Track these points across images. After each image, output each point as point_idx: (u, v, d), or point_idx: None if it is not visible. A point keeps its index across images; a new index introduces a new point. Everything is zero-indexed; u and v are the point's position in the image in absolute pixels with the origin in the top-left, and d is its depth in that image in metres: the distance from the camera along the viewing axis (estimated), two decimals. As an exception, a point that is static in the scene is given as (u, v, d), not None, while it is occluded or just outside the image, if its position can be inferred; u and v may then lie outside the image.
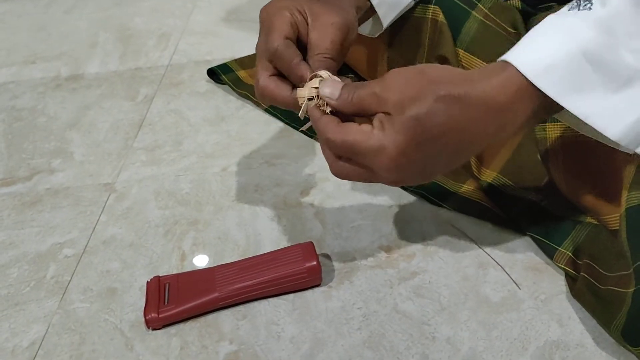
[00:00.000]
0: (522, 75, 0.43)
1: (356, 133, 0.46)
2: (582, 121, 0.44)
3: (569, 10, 0.44)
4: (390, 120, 0.44)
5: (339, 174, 0.49)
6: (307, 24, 0.54)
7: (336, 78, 0.50)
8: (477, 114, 0.44)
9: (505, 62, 0.44)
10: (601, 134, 0.44)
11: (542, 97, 0.43)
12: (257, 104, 0.87)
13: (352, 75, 0.85)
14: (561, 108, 0.44)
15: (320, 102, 0.49)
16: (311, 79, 0.50)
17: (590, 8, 0.43)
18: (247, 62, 0.94)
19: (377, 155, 0.45)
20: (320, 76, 0.50)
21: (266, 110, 0.86)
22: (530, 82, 0.43)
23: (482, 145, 0.47)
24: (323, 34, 0.53)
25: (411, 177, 0.48)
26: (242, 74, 0.92)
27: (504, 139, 0.47)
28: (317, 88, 0.49)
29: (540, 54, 0.43)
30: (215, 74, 0.93)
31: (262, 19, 0.55)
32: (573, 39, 0.43)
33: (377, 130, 0.45)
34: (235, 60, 0.95)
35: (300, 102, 0.50)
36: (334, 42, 0.53)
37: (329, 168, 0.50)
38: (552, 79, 0.42)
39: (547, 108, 0.44)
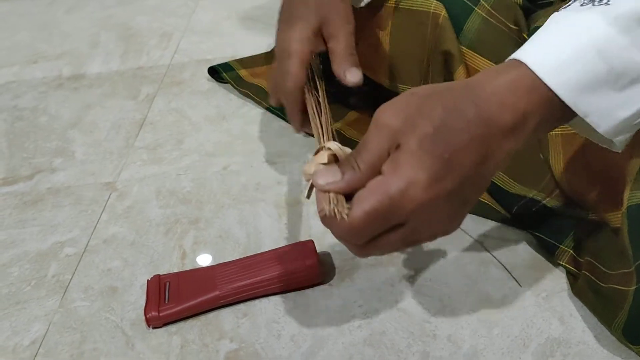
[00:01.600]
0: (533, 72, 0.40)
1: (373, 196, 0.40)
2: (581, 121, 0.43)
3: (581, 5, 0.42)
4: (401, 152, 0.40)
5: (372, 254, 0.44)
6: (323, 36, 0.56)
7: (347, 149, 0.45)
8: (487, 118, 0.40)
9: (517, 61, 0.42)
10: (589, 131, 0.43)
11: (554, 97, 0.41)
12: (259, 103, 0.87)
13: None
14: (572, 116, 0.42)
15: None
16: (318, 151, 0.46)
17: (607, 3, 0.41)
18: (248, 61, 0.95)
19: (406, 197, 0.39)
20: (329, 148, 0.45)
21: (267, 109, 0.86)
22: (542, 81, 0.40)
23: (506, 153, 0.42)
24: (339, 41, 0.55)
25: (450, 213, 0.42)
26: (243, 72, 0.92)
27: (523, 142, 0.42)
28: (324, 164, 0.44)
29: (554, 50, 0.41)
30: (217, 72, 0.93)
31: (278, 57, 0.56)
32: (589, 35, 0.40)
33: (391, 172, 0.40)
34: (237, 60, 0.95)
35: (305, 179, 0.45)
36: (348, 44, 0.55)
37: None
38: (564, 77, 0.40)
39: (563, 110, 0.41)
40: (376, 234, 0.42)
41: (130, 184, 0.75)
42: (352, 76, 0.52)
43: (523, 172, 0.63)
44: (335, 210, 0.41)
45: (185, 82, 0.96)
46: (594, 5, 0.41)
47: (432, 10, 0.66)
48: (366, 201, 0.40)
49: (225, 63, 0.94)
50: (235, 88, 0.90)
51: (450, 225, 0.44)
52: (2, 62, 1.09)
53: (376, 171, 0.41)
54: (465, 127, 0.40)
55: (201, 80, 0.96)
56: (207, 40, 1.08)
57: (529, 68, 0.40)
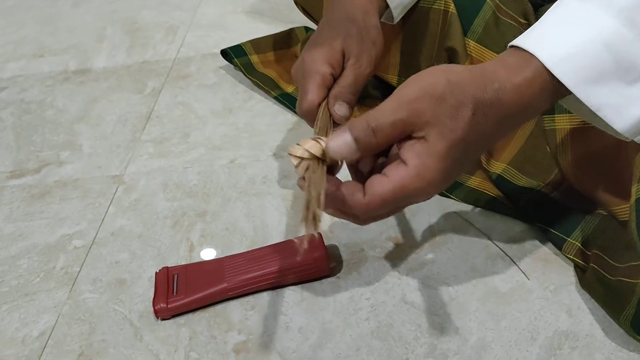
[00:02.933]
0: (541, 62, 0.42)
1: (390, 184, 0.42)
2: (590, 111, 0.43)
3: None
4: (429, 149, 0.42)
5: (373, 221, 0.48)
6: (343, 61, 0.56)
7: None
8: (502, 103, 0.42)
9: (528, 55, 0.42)
10: (606, 124, 0.44)
11: (557, 85, 0.42)
12: (267, 92, 0.87)
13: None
14: (567, 93, 0.43)
15: (313, 165, 0.44)
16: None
17: None
18: (262, 45, 0.93)
19: (422, 192, 0.43)
20: (319, 140, 0.45)
21: (275, 98, 0.85)
22: (549, 71, 0.41)
23: (506, 132, 0.45)
24: (356, 77, 0.55)
25: (449, 179, 0.45)
26: (254, 59, 0.91)
27: (521, 125, 0.47)
28: (310, 152, 0.45)
29: (561, 42, 0.42)
30: (228, 55, 0.92)
31: (299, 74, 0.56)
32: (594, 28, 0.41)
33: (415, 170, 0.42)
34: (251, 41, 0.93)
35: (293, 161, 0.45)
36: (358, 81, 0.55)
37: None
38: (570, 68, 0.41)
39: (560, 95, 0.44)
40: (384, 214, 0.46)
41: (137, 177, 0.76)
42: (339, 109, 0.52)
43: (530, 166, 0.63)
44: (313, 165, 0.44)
45: (191, 76, 0.96)
46: None
47: (442, 8, 0.66)
48: (386, 190, 0.43)
49: (238, 45, 0.92)
50: (245, 75, 0.89)
51: (450, 182, 0.46)
52: (9, 56, 1.09)
53: (389, 144, 0.44)
54: (489, 131, 0.43)
55: (207, 74, 0.96)
56: (213, 33, 1.08)
57: (540, 61, 0.41)
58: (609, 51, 0.41)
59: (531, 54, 0.42)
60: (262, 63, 0.91)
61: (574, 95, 0.42)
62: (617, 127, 0.43)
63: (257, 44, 0.93)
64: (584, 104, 0.43)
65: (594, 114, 0.43)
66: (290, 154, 0.45)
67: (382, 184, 0.43)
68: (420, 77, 0.43)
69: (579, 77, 0.41)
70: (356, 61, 0.55)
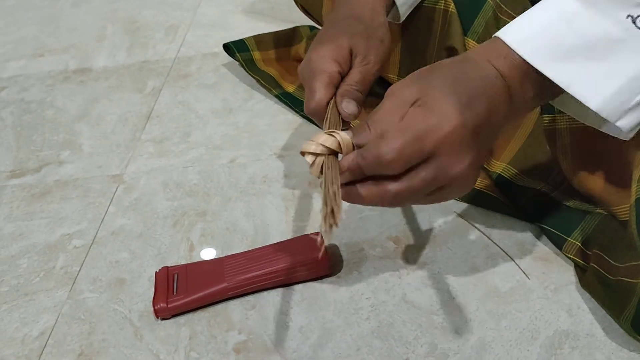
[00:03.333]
0: (507, 45, 0.44)
1: (411, 127, 0.43)
2: (577, 106, 0.45)
3: None
4: (426, 95, 0.44)
5: (411, 193, 0.44)
6: (351, 60, 0.55)
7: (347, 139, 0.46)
8: (486, 77, 0.45)
9: (495, 37, 0.46)
10: (590, 116, 0.45)
11: (528, 67, 0.44)
12: (269, 90, 0.86)
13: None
14: (557, 90, 0.44)
15: (327, 161, 0.45)
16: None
17: None
18: (265, 42, 0.92)
19: (441, 123, 0.42)
20: (332, 133, 0.46)
21: (276, 97, 0.85)
22: (515, 52, 0.44)
23: (502, 116, 0.46)
24: (363, 74, 0.55)
25: (473, 154, 0.44)
26: (256, 55, 0.90)
27: (513, 113, 0.46)
28: (325, 147, 0.45)
29: (525, 25, 0.45)
30: (230, 50, 0.92)
31: (306, 73, 0.55)
32: (557, 9, 0.44)
33: (427, 110, 0.43)
34: (254, 37, 0.92)
35: (308, 160, 0.46)
36: (366, 79, 0.55)
37: (390, 203, 0.46)
38: (533, 47, 0.44)
39: (540, 83, 0.45)
40: (411, 164, 0.43)
41: (138, 176, 0.76)
42: (347, 107, 0.52)
43: (531, 165, 0.63)
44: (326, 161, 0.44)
45: (191, 76, 0.96)
46: None
47: (442, 7, 0.66)
48: (406, 131, 0.43)
49: (241, 40, 0.92)
50: (247, 71, 0.89)
51: (473, 168, 0.45)
52: (9, 55, 1.09)
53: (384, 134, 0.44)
54: (472, 81, 0.44)
55: (208, 73, 0.96)
56: (213, 33, 1.08)
57: (503, 41, 0.45)
58: (571, 29, 0.43)
59: (500, 38, 0.45)
60: (263, 60, 0.91)
61: (565, 94, 0.44)
62: (591, 104, 0.44)
63: (260, 40, 0.92)
64: (572, 102, 0.44)
65: (583, 108, 0.44)
66: (303, 152, 0.46)
67: (401, 127, 0.44)
68: (406, 77, 0.47)
69: (544, 55, 0.43)
70: (363, 59, 0.55)
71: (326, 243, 0.43)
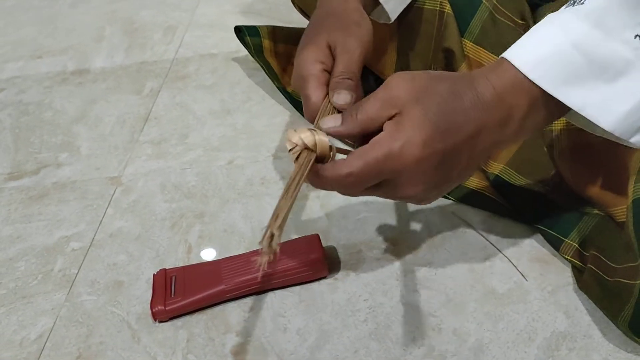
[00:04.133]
0: (516, 68, 0.44)
1: (375, 149, 0.44)
2: (587, 120, 0.44)
3: (565, 7, 0.45)
4: (406, 115, 0.44)
5: (355, 195, 0.49)
6: (333, 55, 0.55)
7: (325, 141, 0.48)
8: (483, 104, 0.45)
9: (503, 59, 0.45)
10: (600, 128, 0.45)
11: (539, 91, 0.44)
12: (272, 80, 0.85)
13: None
14: (567, 108, 0.44)
15: (302, 154, 0.46)
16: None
17: (582, 3, 0.44)
18: (278, 35, 0.89)
19: (403, 152, 0.43)
20: (315, 131, 0.47)
21: (278, 88, 0.84)
22: (526, 76, 0.44)
23: (491, 139, 0.46)
24: (346, 62, 0.54)
25: (436, 181, 0.46)
26: (266, 42, 0.87)
27: (511, 136, 0.47)
28: (303, 142, 0.47)
29: (534, 48, 0.44)
30: (241, 32, 0.88)
31: (295, 82, 0.56)
32: (564, 32, 0.43)
33: (394, 131, 0.44)
34: (267, 26, 0.89)
35: (288, 147, 0.47)
36: (347, 65, 0.54)
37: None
38: (544, 71, 0.43)
39: (550, 105, 0.45)
40: (369, 185, 0.46)
41: (136, 178, 0.76)
42: (338, 98, 0.52)
43: (528, 166, 0.63)
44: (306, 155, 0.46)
45: (189, 77, 0.96)
46: (573, 6, 0.44)
47: (438, 8, 0.66)
48: (368, 153, 0.44)
49: (253, 26, 0.88)
50: (252, 56, 0.87)
51: (431, 193, 0.48)
52: (7, 57, 1.09)
53: (371, 125, 0.46)
54: (463, 108, 0.44)
55: (206, 74, 0.96)
56: (212, 34, 1.08)
57: (513, 64, 0.44)
58: (579, 52, 0.43)
59: (508, 61, 0.45)
60: (270, 50, 0.88)
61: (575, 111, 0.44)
62: (604, 125, 0.44)
63: (273, 31, 0.89)
64: (582, 118, 0.44)
65: (594, 124, 0.44)
66: (287, 138, 0.48)
67: (364, 150, 0.45)
68: (404, 72, 0.47)
69: (554, 80, 0.43)
70: (343, 47, 0.55)
71: (262, 264, 0.41)
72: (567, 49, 0.43)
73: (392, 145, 0.44)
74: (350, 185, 0.46)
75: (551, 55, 0.43)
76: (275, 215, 0.42)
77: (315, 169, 0.46)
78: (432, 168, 0.45)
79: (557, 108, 0.45)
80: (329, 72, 0.54)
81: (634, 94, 0.43)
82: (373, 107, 0.46)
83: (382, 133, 0.45)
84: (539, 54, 0.44)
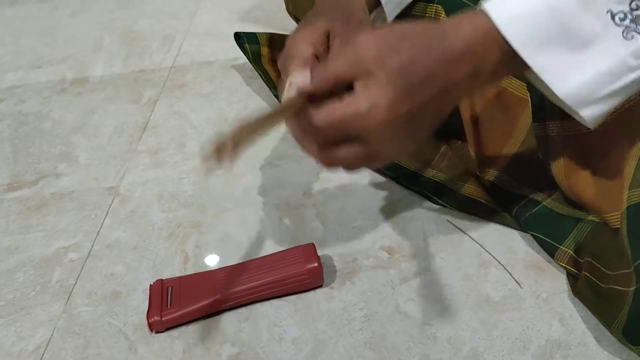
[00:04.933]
0: (492, 21, 0.44)
1: (342, 107, 0.44)
2: (544, 84, 0.45)
3: None
4: (372, 77, 0.44)
5: (331, 162, 0.48)
6: (327, 42, 0.55)
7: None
8: (452, 58, 0.44)
9: (481, 10, 0.45)
10: (555, 96, 0.45)
11: (508, 47, 0.44)
12: (269, 88, 0.86)
13: None
14: (525, 66, 0.45)
15: (289, 94, 0.49)
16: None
17: None
18: (276, 42, 0.90)
19: (370, 115, 0.44)
20: (292, 80, 0.50)
21: (275, 96, 0.85)
22: (498, 30, 0.44)
23: (460, 92, 0.46)
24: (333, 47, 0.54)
25: (405, 137, 0.46)
26: (265, 50, 0.88)
27: (479, 88, 0.47)
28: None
29: (513, 3, 0.44)
30: (240, 39, 0.89)
31: (283, 56, 0.56)
32: None
33: (362, 92, 0.44)
34: (267, 34, 0.90)
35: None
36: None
37: (317, 161, 0.48)
38: (517, 29, 0.44)
39: (517, 61, 0.45)
40: (336, 140, 0.46)
41: (133, 188, 0.76)
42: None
43: (523, 173, 0.63)
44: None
45: (187, 85, 0.96)
46: None
47: (433, 16, 0.66)
48: (335, 110, 0.44)
49: (252, 33, 0.89)
50: (251, 63, 0.87)
51: (403, 148, 0.48)
52: (7, 67, 1.09)
53: (338, 81, 0.45)
54: (430, 66, 0.44)
55: (203, 83, 0.96)
56: (209, 42, 1.09)
57: (490, 18, 0.44)
58: (554, 16, 0.43)
59: (486, 12, 0.45)
60: (267, 58, 0.88)
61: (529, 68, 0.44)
62: (557, 92, 0.45)
63: (272, 38, 0.90)
64: (541, 81, 0.45)
65: (548, 87, 0.45)
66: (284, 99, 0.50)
67: (333, 107, 0.45)
68: (377, 31, 0.46)
69: (526, 39, 0.44)
70: (343, 39, 0.54)
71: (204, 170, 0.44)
72: (543, 11, 0.43)
73: (360, 107, 0.44)
74: (319, 133, 0.46)
75: (526, 14, 0.44)
76: (238, 127, 0.42)
77: (295, 109, 0.46)
78: (400, 127, 0.45)
79: (521, 65, 0.45)
80: (319, 58, 0.54)
81: (594, 66, 0.44)
82: (342, 67, 0.45)
83: (353, 93, 0.45)
84: (516, 10, 0.44)
